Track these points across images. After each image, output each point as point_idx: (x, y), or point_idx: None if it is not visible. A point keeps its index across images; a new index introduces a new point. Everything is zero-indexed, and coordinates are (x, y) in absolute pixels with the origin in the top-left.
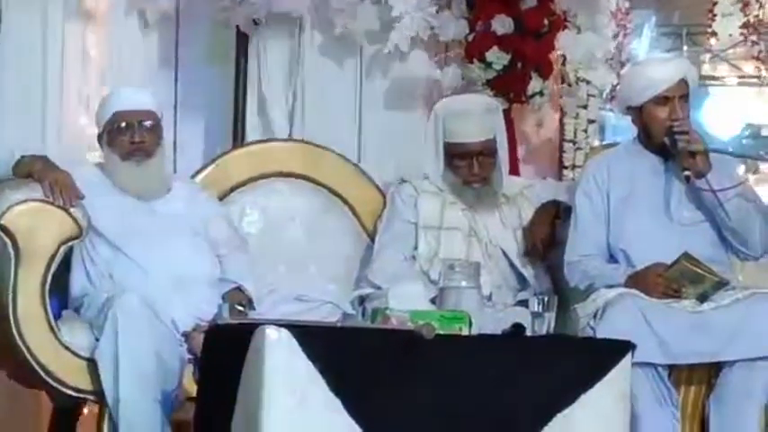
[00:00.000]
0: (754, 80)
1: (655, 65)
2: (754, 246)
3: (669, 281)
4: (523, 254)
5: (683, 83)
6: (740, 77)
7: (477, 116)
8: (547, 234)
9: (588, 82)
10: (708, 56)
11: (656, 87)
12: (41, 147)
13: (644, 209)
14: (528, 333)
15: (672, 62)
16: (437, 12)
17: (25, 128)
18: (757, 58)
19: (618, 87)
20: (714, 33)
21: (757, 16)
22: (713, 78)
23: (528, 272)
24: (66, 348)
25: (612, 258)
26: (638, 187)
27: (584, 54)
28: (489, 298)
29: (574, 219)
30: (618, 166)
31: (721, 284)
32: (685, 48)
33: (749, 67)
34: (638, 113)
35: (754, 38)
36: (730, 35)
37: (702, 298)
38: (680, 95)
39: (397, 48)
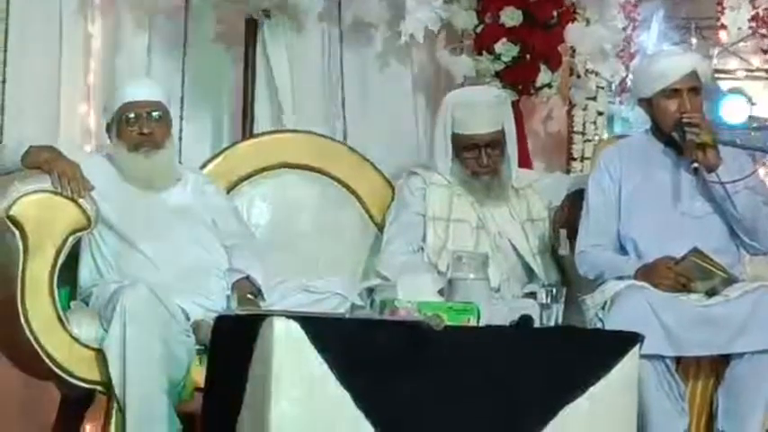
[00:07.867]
0: (763, 73)
1: (665, 57)
2: (763, 240)
3: (678, 274)
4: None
5: (694, 75)
6: (748, 71)
7: (485, 108)
8: (567, 222)
9: (597, 74)
10: (717, 49)
11: (666, 80)
12: (50, 138)
13: (655, 200)
14: (536, 325)
15: (682, 55)
16: (444, 2)
17: (32, 119)
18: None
19: (629, 79)
20: (724, 26)
21: (767, 9)
22: (723, 72)
23: (536, 264)
24: (75, 339)
25: (623, 249)
26: (649, 178)
27: (593, 46)
28: (497, 290)
29: (585, 208)
30: (631, 157)
31: (730, 281)
32: (694, 41)
33: (757, 60)
34: (649, 106)
35: (763, 30)
36: (739, 29)
37: (711, 293)
38: (690, 88)
39: (413, 37)
